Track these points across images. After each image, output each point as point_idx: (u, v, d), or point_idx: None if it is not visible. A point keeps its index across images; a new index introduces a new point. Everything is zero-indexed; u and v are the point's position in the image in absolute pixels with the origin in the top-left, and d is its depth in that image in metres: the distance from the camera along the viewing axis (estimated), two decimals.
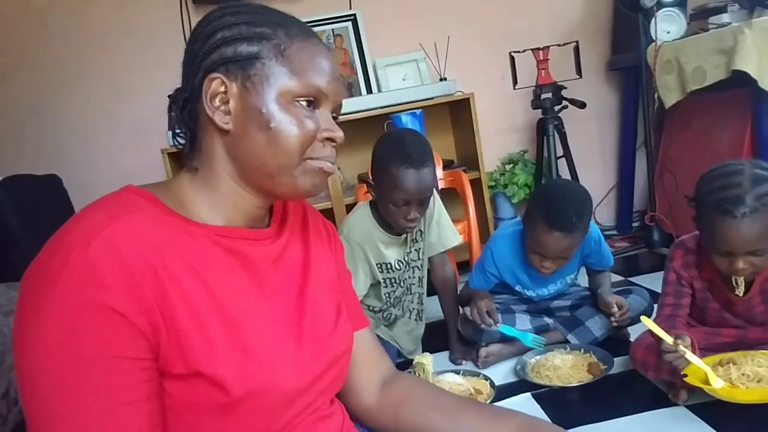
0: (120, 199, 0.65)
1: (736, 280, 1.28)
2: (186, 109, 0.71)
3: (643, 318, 1.29)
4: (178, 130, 0.73)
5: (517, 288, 1.79)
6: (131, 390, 0.59)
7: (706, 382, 1.20)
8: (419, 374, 1.48)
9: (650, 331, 1.26)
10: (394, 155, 1.52)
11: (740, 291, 1.29)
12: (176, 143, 0.74)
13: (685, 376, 1.21)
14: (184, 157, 0.73)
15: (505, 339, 1.73)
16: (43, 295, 0.57)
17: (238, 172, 0.70)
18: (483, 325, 1.64)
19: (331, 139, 0.70)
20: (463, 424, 0.81)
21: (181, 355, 0.61)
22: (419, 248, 1.76)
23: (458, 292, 1.86)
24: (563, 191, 1.60)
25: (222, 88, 0.67)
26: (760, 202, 1.15)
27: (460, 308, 1.81)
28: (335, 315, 0.80)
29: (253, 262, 0.71)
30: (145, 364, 0.59)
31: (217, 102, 0.67)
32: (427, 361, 1.49)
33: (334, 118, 0.73)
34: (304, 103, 0.68)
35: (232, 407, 0.63)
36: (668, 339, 1.21)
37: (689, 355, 1.20)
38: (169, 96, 0.73)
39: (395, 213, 1.56)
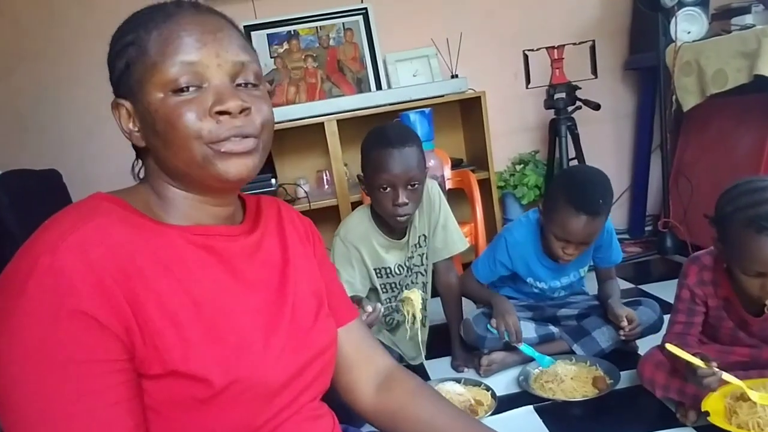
0: (88, 205, 0.65)
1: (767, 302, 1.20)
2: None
3: (668, 346, 1.22)
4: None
5: (529, 280, 1.75)
6: (110, 393, 0.58)
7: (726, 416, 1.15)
8: (407, 310, 1.49)
9: (674, 356, 1.19)
10: (374, 139, 1.55)
11: None
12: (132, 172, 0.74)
13: (708, 414, 1.16)
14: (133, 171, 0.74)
15: (508, 347, 1.69)
16: (12, 305, 0.56)
17: (172, 179, 0.69)
18: (504, 339, 1.63)
19: (224, 112, 0.63)
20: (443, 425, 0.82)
21: (157, 355, 0.60)
22: (422, 253, 1.71)
23: (463, 282, 1.81)
24: (587, 175, 1.60)
25: (124, 110, 0.67)
26: None
27: (467, 311, 1.77)
28: (316, 308, 0.79)
29: (229, 257, 0.70)
30: (121, 365, 0.59)
31: (130, 125, 0.67)
32: (416, 296, 1.49)
33: (248, 84, 0.67)
34: (184, 88, 0.63)
35: (212, 400, 0.62)
36: (699, 363, 1.15)
37: (726, 375, 1.15)
38: None
39: (383, 200, 1.53)
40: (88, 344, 0.57)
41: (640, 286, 2.19)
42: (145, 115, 0.64)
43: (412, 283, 1.72)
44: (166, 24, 0.64)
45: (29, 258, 0.57)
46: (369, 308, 1.23)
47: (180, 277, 0.64)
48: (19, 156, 2.24)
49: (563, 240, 1.57)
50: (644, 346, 1.53)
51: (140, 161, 0.73)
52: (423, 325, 1.81)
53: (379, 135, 1.56)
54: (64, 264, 0.56)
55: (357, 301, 1.27)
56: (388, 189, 1.52)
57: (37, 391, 0.55)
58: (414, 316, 1.51)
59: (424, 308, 1.79)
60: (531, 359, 1.66)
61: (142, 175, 0.73)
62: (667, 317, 1.44)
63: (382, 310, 1.37)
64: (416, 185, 1.53)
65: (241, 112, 0.64)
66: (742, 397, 1.17)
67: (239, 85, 0.66)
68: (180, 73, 0.63)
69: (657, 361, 1.34)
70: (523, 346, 1.64)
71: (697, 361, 1.16)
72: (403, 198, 1.51)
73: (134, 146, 0.71)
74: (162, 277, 0.62)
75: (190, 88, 0.63)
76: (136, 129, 0.67)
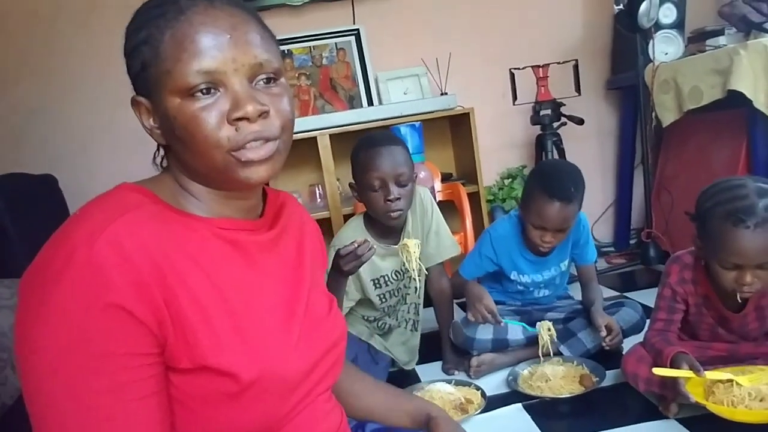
0: (118, 197, 0.64)
1: (740, 295, 1.25)
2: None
3: (656, 370, 1.26)
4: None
5: (512, 274, 1.81)
6: (140, 386, 0.59)
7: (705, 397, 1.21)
8: (405, 258, 1.56)
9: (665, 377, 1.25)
10: (362, 143, 1.62)
11: (748, 293, 1.24)
12: (153, 161, 0.74)
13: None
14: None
15: (497, 348, 1.73)
16: (47, 296, 0.56)
17: (194, 176, 0.69)
18: (488, 322, 1.70)
19: (242, 118, 0.62)
20: (367, 401, 0.93)
21: (188, 349, 0.61)
22: (415, 258, 1.75)
23: (452, 283, 1.85)
24: (559, 166, 1.76)
25: (143, 107, 0.66)
26: None
27: (457, 316, 1.82)
28: (328, 304, 0.82)
29: (251, 252, 0.71)
30: (152, 359, 0.60)
31: (151, 121, 0.67)
32: (412, 244, 1.54)
33: (270, 80, 0.65)
34: (201, 93, 0.62)
35: (240, 395, 0.63)
36: (690, 374, 1.20)
37: (710, 374, 1.21)
38: None
39: (375, 199, 1.57)
40: (120, 337, 0.57)
41: (625, 294, 2.25)
42: (164, 118, 0.64)
43: (405, 287, 1.76)
44: (178, 23, 0.62)
45: (65, 248, 0.57)
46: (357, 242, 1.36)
47: (209, 272, 0.64)
48: (15, 168, 2.27)
49: (540, 228, 1.66)
50: (627, 345, 1.58)
51: (161, 150, 0.72)
52: (415, 329, 1.85)
53: (366, 138, 1.65)
54: (101, 257, 0.56)
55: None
56: (379, 187, 1.56)
57: (68, 380, 0.56)
58: (412, 266, 1.54)
59: (417, 312, 1.84)
60: (519, 360, 1.71)
61: (164, 165, 0.72)
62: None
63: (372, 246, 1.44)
64: (406, 183, 1.58)
65: (259, 116, 0.63)
66: (720, 380, 1.23)
67: (259, 83, 0.65)
68: (196, 81, 0.61)
69: (639, 356, 1.40)
70: (506, 321, 1.71)
71: (686, 374, 1.20)
72: (394, 193, 1.55)
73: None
74: (192, 272, 0.63)
75: (208, 92, 0.62)
76: (156, 126, 0.67)
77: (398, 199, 1.56)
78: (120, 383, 0.58)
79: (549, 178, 1.65)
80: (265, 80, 0.65)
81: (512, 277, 1.82)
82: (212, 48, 0.61)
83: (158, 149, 0.73)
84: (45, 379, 0.56)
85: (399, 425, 0.92)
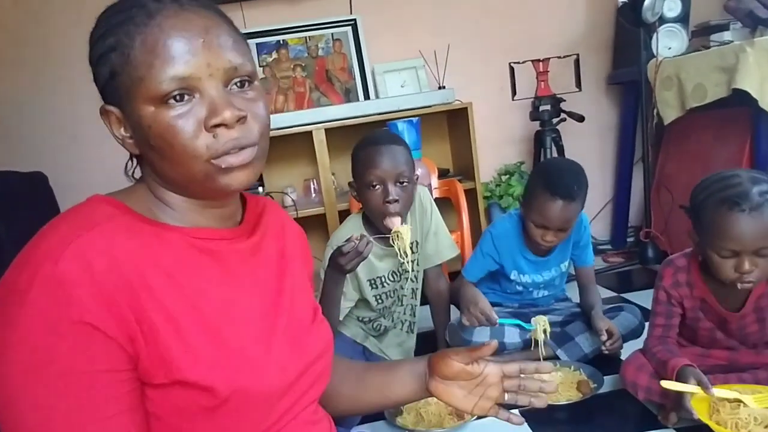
0: (88, 210, 0.63)
1: (740, 286, 1.21)
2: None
3: (663, 383, 1.22)
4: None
5: (513, 274, 1.78)
6: (114, 403, 0.58)
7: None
8: (398, 245, 1.50)
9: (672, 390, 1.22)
10: (363, 141, 1.58)
11: (748, 282, 1.21)
12: (126, 172, 0.71)
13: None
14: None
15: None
16: (12, 317, 0.55)
17: (169, 186, 0.67)
18: (483, 325, 1.67)
19: (220, 125, 0.60)
20: (368, 383, 0.91)
21: (162, 364, 0.59)
22: (414, 259, 1.71)
23: (456, 287, 1.83)
24: (562, 164, 1.72)
25: (113, 117, 0.64)
26: (764, 198, 1.15)
27: (454, 317, 1.79)
28: (311, 314, 0.79)
29: (229, 262, 0.69)
30: (125, 375, 0.58)
31: (122, 130, 0.64)
32: (404, 230, 1.50)
33: (244, 83, 0.63)
34: (175, 100, 0.59)
35: (217, 409, 0.62)
36: (698, 389, 1.17)
37: (718, 392, 1.18)
38: None
39: (374, 198, 1.52)
40: (90, 355, 0.56)
41: (622, 294, 2.23)
42: (138, 127, 0.61)
43: (402, 288, 1.73)
44: (148, 28, 0.59)
45: (30, 266, 0.56)
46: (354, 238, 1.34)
47: (183, 285, 0.63)
48: (3, 161, 2.21)
49: (542, 227, 1.64)
50: (626, 351, 1.56)
51: (134, 161, 0.70)
52: (411, 331, 1.82)
53: (368, 137, 1.60)
54: (66, 273, 0.55)
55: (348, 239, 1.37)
56: (378, 186, 1.52)
57: (39, 402, 0.55)
58: (405, 253, 1.49)
59: (413, 314, 1.80)
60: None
61: (137, 175, 0.71)
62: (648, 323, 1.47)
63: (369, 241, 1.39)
64: (406, 183, 1.53)
65: (237, 121, 0.61)
66: (727, 399, 1.19)
67: (233, 87, 0.63)
68: (170, 88, 0.59)
69: (639, 365, 1.37)
70: (501, 321, 1.69)
71: (694, 389, 1.17)
72: (393, 194, 1.50)
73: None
74: (165, 286, 0.61)
75: (182, 99, 0.60)
76: (128, 135, 0.64)
77: (396, 201, 1.52)
78: (91, 401, 0.56)
79: (552, 176, 1.63)
80: (239, 84, 0.63)
81: (512, 277, 1.79)
82: (185, 53, 0.59)
83: (130, 159, 0.70)
84: (14, 400, 0.55)
85: (404, 393, 0.90)
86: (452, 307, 1.86)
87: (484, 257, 1.78)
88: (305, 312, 0.78)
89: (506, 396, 0.84)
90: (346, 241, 1.39)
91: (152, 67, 0.58)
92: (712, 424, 1.14)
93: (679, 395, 1.20)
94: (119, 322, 0.57)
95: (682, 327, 1.40)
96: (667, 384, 1.20)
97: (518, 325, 1.72)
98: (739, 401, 1.17)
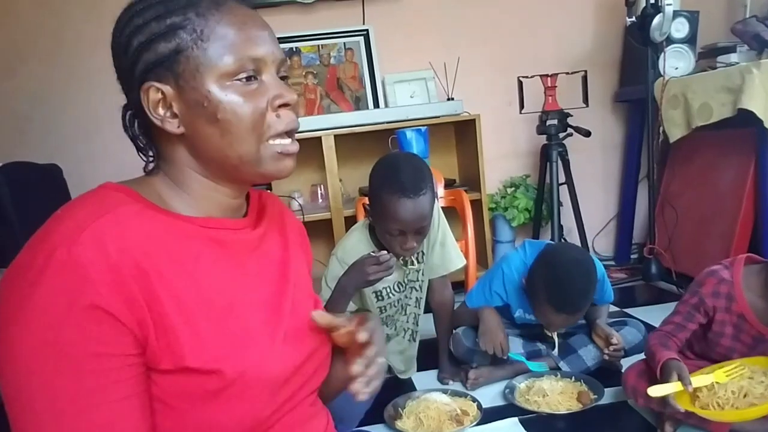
0: (101, 196, 0.64)
1: None
2: (136, 124, 0.69)
3: (650, 390, 1.22)
4: (141, 144, 0.70)
5: (517, 314, 1.76)
6: (120, 387, 0.58)
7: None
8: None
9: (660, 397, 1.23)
10: (388, 183, 1.47)
11: None
12: (142, 158, 0.71)
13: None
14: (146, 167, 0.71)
15: (495, 362, 1.71)
16: (26, 296, 0.55)
17: (206, 168, 0.68)
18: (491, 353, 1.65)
19: (285, 104, 0.67)
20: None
21: (169, 350, 0.60)
22: (419, 269, 1.71)
23: (456, 314, 1.82)
24: (569, 272, 1.53)
25: (159, 95, 0.64)
26: None
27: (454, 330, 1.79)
28: (313, 305, 0.81)
29: (236, 251, 0.71)
30: (133, 360, 0.59)
31: (160, 110, 0.65)
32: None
33: (284, 77, 0.69)
34: (245, 79, 0.64)
35: (222, 392, 0.63)
36: (679, 387, 1.19)
37: (696, 382, 1.20)
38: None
39: (391, 241, 1.52)
40: (100, 338, 0.56)
41: (624, 310, 2.23)
42: (200, 104, 0.63)
43: (407, 297, 1.73)
44: (221, 12, 0.63)
45: (45, 249, 0.56)
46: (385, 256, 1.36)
47: (192, 272, 0.64)
48: (19, 153, 2.24)
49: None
50: (628, 365, 1.56)
51: (149, 152, 0.70)
52: (413, 339, 1.83)
53: (393, 177, 1.47)
54: (82, 257, 0.55)
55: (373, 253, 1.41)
56: (398, 234, 1.50)
57: (47, 383, 0.55)
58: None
59: (416, 323, 1.80)
60: (517, 374, 1.68)
61: (150, 169, 0.71)
62: None
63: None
64: (426, 231, 1.52)
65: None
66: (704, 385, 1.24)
67: (283, 77, 0.68)
68: (246, 67, 0.64)
69: (641, 371, 1.38)
70: (510, 354, 1.66)
71: (674, 388, 1.19)
72: (411, 243, 1.50)
73: (144, 141, 0.69)
74: (175, 272, 0.62)
75: (250, 80, 0.64)
76: (170, 115, 0.65)
77: (414, 247, 1.51)
78: (98, 384, 0.57)
79: (555, 288, 1.53)
80: (283, 77, 0.69)
81: (516, 315, 1.76)
82: (259, 38, 0.65)
83: (146, 152, 0.70)
84: (23, 382, 0.56)
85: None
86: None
87: (492, 295, 1.74)
88: (306, 304, 0.79)
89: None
90: (377, 253, 1.41)
91: (231, 45, 0.63)
92: (697, 410, 1.18)
93: (665, 403, 1.22)
94: (130, 307, 0.58)
95: (698, 341, 1.39)
96: (651, 391, 1.22)
97: (524, 362, 1.69)
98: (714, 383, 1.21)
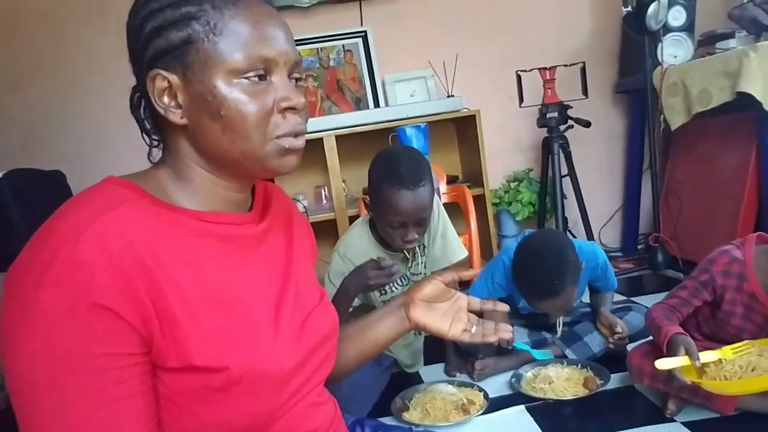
0: (104, 192, 0.63)
1: None
2: (143, 107, 0.69)
3: (657, 363, 1.22)
4: (147, 126, 0.71)
5: (521, 304, 1.76)
6: (125, 386, 0.58)
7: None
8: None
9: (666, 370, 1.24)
10: (387, 176, 1.47)
11: None
12: (145, 141, 0.71)
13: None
14: (150, 154, 0.72)
15: (501, 352, 1.71)
16: (31, 295, 0.55)
17: (208, 162, 0.68)
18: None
19: (291, 108, 0.66)
20: (346, 333, 0.90)
21: (175, 347, 0.60)
22: (422, 262, 1.71)
23: None
24: (538, 256, 1.56)
25: (165, 84, 0.63)
26: None
27: None
28: (318, 298, 0.81)
29: (240, 246, 0.70)
30: (138, 359, 0.59)
31: (165, 99, 0.64)
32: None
33: (297, 79, 0.68)
34: (254, 78, 0.63)
35: (228, 389, 0.63)
36: (685, 360, 1.19)
37: (704, 357, 1.20)
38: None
39: (392, 234, 1.52)
40: (105, 338, 0.56)
41: (632, 298, 2.23)
42: (204, 97, 0.63)
43: None
44: (237, 8, 0.63)
45: (49, 247, 0.56)
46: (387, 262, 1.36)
47: (197, 268, 0.64)
48: (26, 159, 2.30)
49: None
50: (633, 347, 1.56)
51: (155, 143, 0.71)
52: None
53: (392, 169, 1.48)
54: (86, 256, 0.55)
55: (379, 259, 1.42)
56: (399, 227, 1.50)
57: (53, 382, 0.55)
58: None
59: None
60: (523, 363, 1.69)
61: (156, 160, 0.71)
62: None
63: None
64: (426, 217, 1.52)
65: (302, 108, 0.66)
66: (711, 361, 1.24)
67: (291, 79, 0.67)
68: (255, 66, 0.63)
69: (645, 351, 1.38)
70: (515, 344, 1.66)
71: (681, 362, 1.19)
72: (413, 235, 1.50)
73: (150, 125, 0.70)
74: (180, 269, 0.62)
75: (259, 79, 0.63)
76: (174, 105, 0.64)
77: (416, 239, 1.51)
78: (104, 383, 0.57)
79: (529, 280, 1.56)
80: (296, 80, 0.68)
81: (520, 305, 1.76)
82: (274, 38, 0.64)
83: (153, 141, 0.71)
84: (28, 381, 0.56)
85: (383, 331, 0.91)
86: None
87: (494, 286, 1.74)
88: (312, 295, 0.80)
89: (473, 328, 0.91)
90: (382, 260, 1.43)
91: (244, 42, 0.62)
92: (704, 383, 1.18)
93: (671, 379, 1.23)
94: (135, 306, 0.57)
95: (707, 321, 1.38)
96: (659, 364, 1.22)
97: (529, 351, 1.69)
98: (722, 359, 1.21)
